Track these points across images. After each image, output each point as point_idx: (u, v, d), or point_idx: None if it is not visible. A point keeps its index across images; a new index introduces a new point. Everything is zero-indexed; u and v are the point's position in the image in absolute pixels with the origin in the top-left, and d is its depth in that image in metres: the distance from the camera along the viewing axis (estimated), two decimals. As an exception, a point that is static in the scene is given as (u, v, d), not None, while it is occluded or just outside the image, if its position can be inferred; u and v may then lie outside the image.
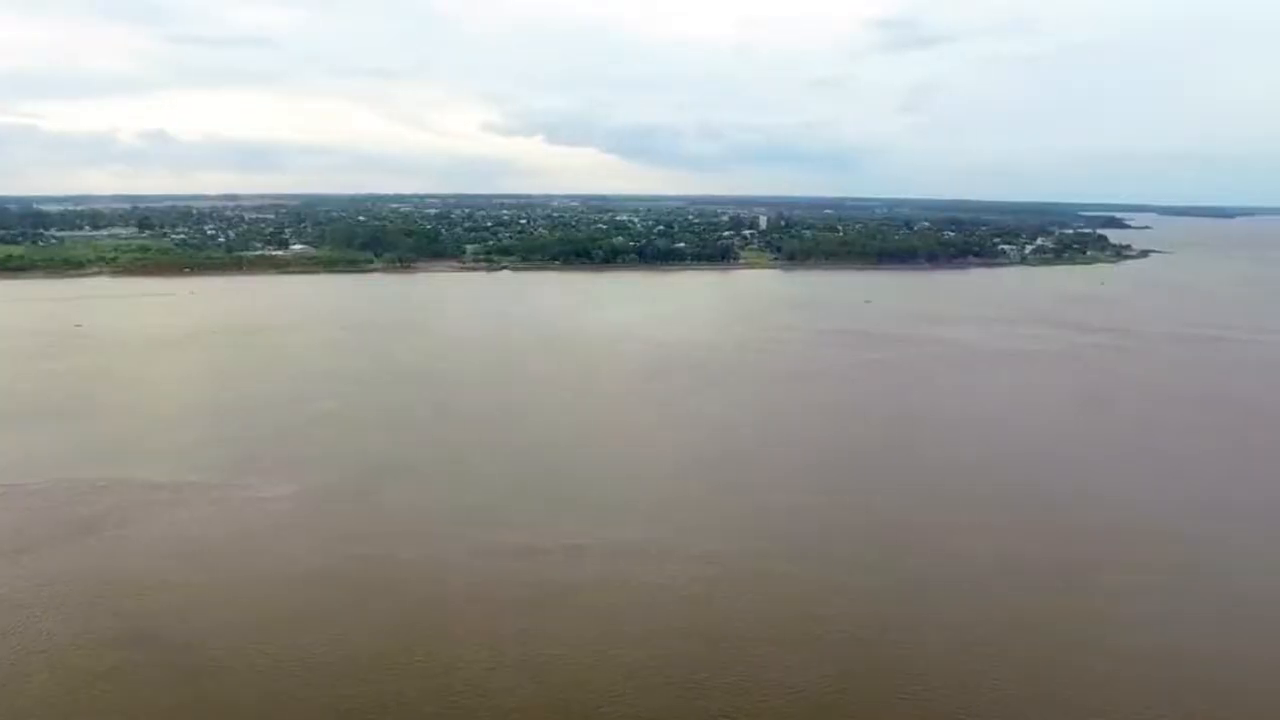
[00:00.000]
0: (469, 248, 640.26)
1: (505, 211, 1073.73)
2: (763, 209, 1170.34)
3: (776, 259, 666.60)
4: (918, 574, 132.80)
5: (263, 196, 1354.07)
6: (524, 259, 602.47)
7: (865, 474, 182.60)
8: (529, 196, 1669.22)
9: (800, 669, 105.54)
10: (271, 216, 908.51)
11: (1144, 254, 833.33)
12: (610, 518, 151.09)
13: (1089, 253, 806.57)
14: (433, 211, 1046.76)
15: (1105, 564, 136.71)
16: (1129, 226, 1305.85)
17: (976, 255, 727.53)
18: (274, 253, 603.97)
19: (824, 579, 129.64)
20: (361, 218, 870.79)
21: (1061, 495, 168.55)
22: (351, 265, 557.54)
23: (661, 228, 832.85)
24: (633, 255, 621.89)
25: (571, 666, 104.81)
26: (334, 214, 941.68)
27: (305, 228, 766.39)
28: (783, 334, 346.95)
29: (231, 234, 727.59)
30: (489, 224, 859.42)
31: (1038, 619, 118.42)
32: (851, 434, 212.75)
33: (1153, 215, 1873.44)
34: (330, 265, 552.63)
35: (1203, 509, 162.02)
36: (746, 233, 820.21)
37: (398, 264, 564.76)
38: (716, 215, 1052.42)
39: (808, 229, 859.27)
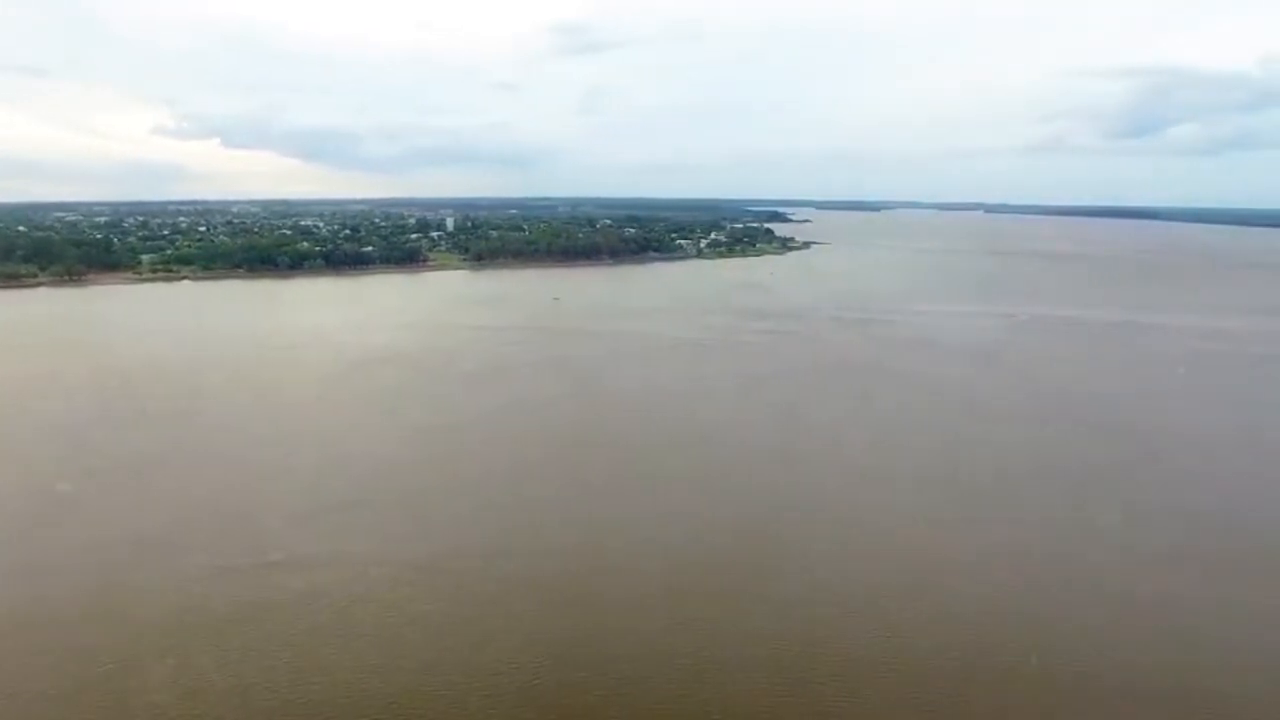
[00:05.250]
0: (145, 258, 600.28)
1: (183, 218, 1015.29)
2: (449, 211, 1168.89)
3: (465, 260, 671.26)
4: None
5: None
6: (205, 268, 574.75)
7: (561, 469, 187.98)
8: (207, 202, 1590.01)
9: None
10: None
11: (806, 245, 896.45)
12: (302, 529, 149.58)
13: (758, 245, 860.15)
14: (103, 220, 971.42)
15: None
16: (791, 220, 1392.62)
17: (656, 250, 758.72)
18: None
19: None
20: (22, 228, 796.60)
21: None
22: (12, 280, 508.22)
23: (348, 232, 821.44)
24: (320, 260, 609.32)
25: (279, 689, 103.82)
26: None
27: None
28: (473, 334, 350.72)
29: None
30: (166, 232, 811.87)
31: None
32: (542, 430, 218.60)
33: (812, 209, 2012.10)
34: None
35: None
36: (434, 234, 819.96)
37: (66, 277, 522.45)
38: (403, 218, 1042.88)
39: (494, 229, 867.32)
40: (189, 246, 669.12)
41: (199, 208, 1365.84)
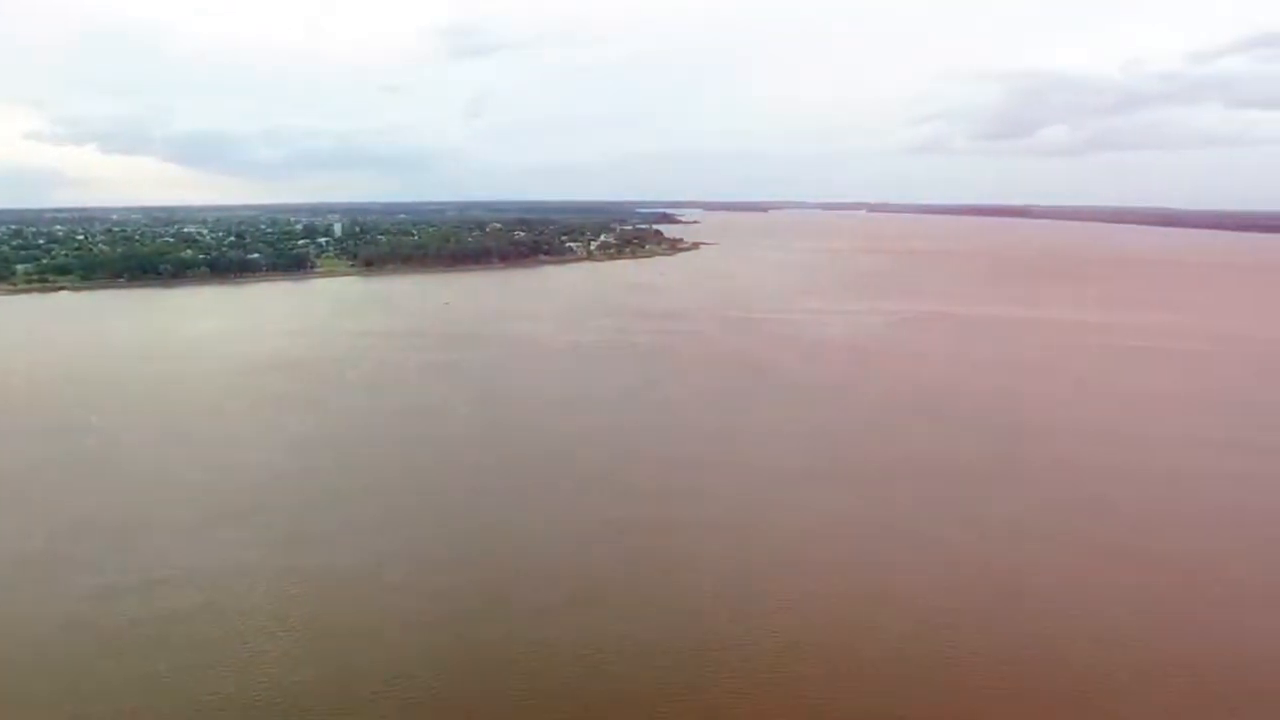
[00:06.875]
0: (20, 268, 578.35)
1: (60, 227, 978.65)
2: (336, 215, 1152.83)
3: (354, 265, 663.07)
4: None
5: None
6: (85, 278, 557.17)
7: (468, 471, 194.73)
8: (86, 210, 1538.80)
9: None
10: None
11: (695, 246, 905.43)
12: (191, 542, 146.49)
13: (647, 247, 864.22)
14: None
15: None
16: (680, 221, 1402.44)
17: (546, 253, 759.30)
18: None
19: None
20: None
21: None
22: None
23: (233, 238, 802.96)
24: (204, 268, 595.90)
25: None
26: None
27: None
28: (363, 340, 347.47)
29: None
30: (41, 241, 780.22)
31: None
32: (433, 436, 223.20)
33: (700, 210, 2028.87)
34: None
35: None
36: (322, 240, 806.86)
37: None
38: (290, 224, 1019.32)
39: (383, 234, 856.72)
40: (66, 256, 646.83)
41: (77, 215, 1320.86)
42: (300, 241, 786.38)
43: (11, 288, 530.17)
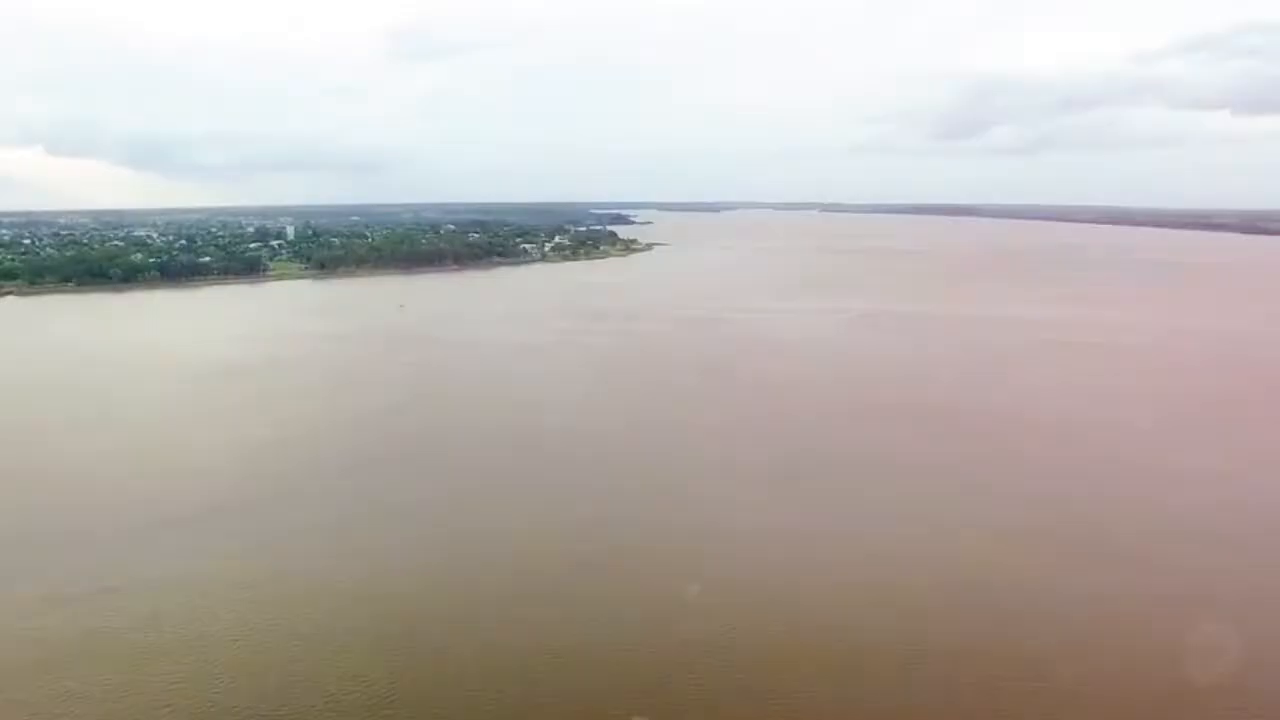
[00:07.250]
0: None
1: (4, 231, 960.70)
2: (289, 219, 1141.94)
3: (308, 268, 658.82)
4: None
5: None
6: (32, 283, 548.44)
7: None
8: (32, 214, 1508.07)
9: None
10: None
11: (649, 247, 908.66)
12: (140, 550, 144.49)
13: (602, 248, 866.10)
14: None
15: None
16: (635, 222, 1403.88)
17: (501, 255, 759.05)
18: None
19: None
20: None
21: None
22: None
23: (184, 242, 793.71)
24: (155, 272, 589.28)
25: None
26: None
27: None
28: (317, 344, 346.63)
29: None
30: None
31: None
32: (384, 440, 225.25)
33: (654, 211, 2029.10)
34: None
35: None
36: (274, 243, 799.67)
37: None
38: (241, 227, 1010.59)
39: (336, 237, 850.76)
40: (12, 260, 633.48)
41: (22, 219, 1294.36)
42: (252, 245, 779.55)
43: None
